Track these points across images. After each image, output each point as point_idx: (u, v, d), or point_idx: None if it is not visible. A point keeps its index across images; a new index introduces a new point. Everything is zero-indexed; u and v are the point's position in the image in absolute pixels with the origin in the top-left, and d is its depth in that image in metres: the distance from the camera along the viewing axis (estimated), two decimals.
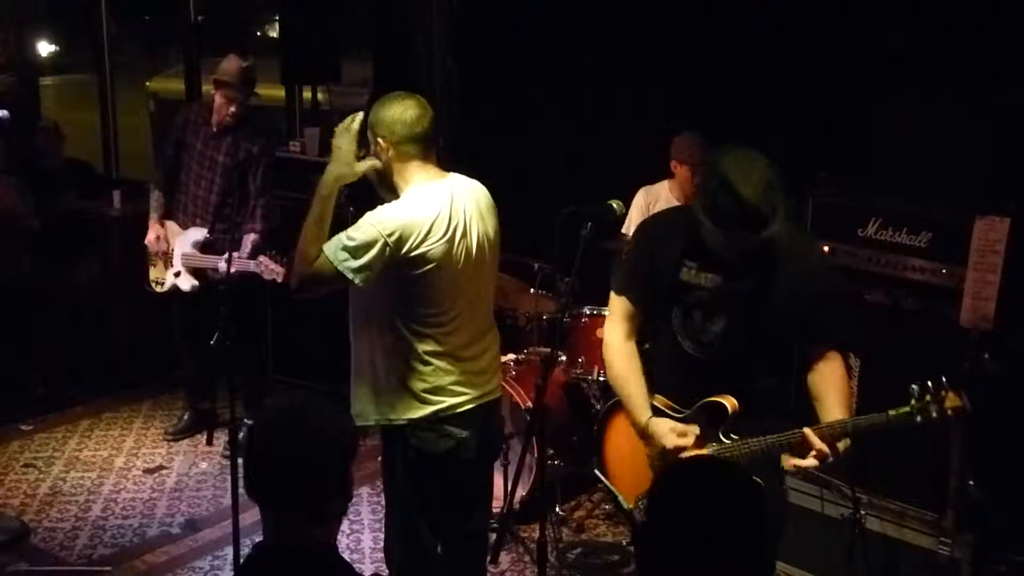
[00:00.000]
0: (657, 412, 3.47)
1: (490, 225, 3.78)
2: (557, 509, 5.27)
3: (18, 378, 6.64)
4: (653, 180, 5.76)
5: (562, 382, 5.49)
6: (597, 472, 3.79)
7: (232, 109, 5.78)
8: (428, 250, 3.54)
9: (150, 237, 5.97)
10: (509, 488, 4.70)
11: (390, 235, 3.49)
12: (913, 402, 3.13)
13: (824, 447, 3.17)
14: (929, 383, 3.12)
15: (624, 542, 5.16)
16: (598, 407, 5.45)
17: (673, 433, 3.38)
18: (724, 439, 3.34)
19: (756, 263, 3.27)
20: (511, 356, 5.51)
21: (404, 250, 3.51)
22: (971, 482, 4.33)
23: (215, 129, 5.86)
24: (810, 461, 3.21)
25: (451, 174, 3.76)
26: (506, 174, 6.58)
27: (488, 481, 4.15)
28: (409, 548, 3.84)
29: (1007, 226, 4.20)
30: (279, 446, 2.45)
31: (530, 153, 6.66)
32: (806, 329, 3.34)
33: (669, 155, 5.65)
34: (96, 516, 5.41)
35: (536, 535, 3.77)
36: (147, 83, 12.76)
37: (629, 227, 5.67)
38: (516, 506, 4.95)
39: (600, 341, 5.25)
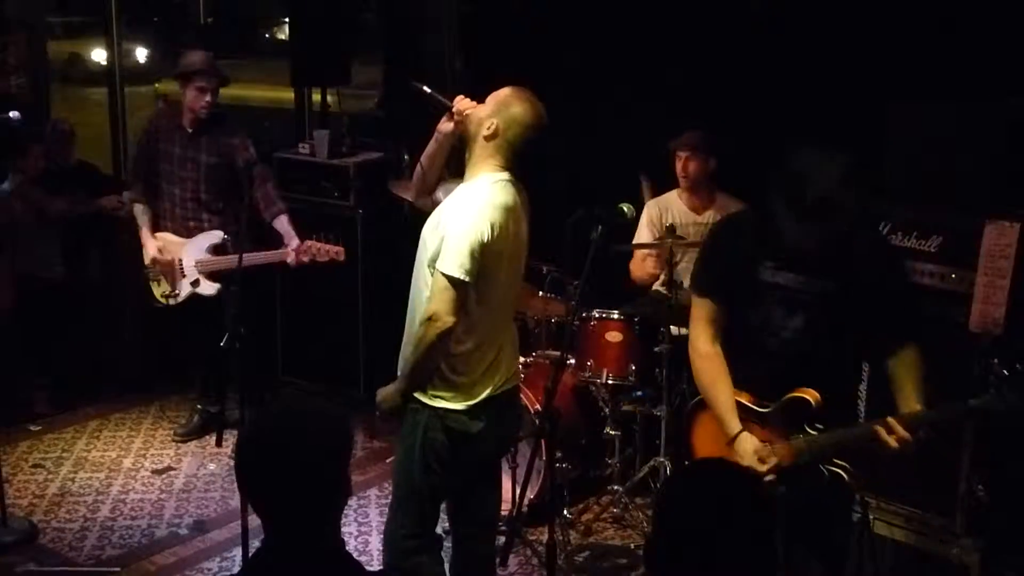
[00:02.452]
0: (740, 408, 3.53)
1: (526, 222, 3.87)
2: (565, 512, 5.27)
3: (28, 378, 6.66)
4: (662, 182, 5.75)
5: (571, 385, 5.49)
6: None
7: (207, 99, 5.72)
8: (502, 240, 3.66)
9: (152, 253, 5.90)
10: (518, 491, 4.70)
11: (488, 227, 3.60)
12: (992, 390, 3.34)
13: (905, 434, 3.29)
14: (1005, 371, 3.34)
15: (632, 545, 5.16)
16: (606, 410, 5.46)
17: (755, 457, 3.45)
18: (810, 430, 3.42)
19: (834, 259, 3.37)
20: (520, 359, 5.51)
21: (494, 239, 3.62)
22: (980, 486, 4.32)
23: (191, 129, 5.81)
24: (892, 443, 3.31)
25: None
26: (516, 176, 6.62)
27: (498, 471, 4.20)
28: (411, 537, 3.88)
29: (1017, 231, 4.20)
30: (272, 447, 2.43)
31: (540, 155, 6.65)
32: (885, 323, 3.45)
33: (676, 160, 5.64)
34: (105, 517, 5.43)
35: (544, 538, 3.77)
36: (156, 84, 12.79)
37: (640, 239, 5.65)
38: (525, 509, 4.94)
39: (609, 344, 5.34)
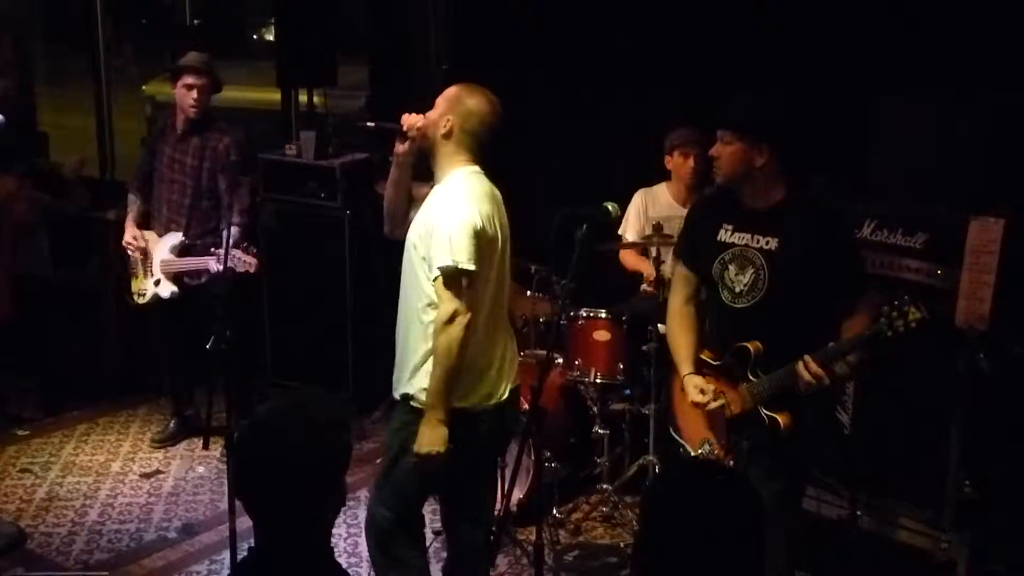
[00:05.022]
0: (701, 363, 3.88)
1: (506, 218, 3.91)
2: (554, 511, 5.27)
3: (15, 382, 6.64)
4: (651, 182, 5.75)
5: (559, 384, 5.49)
6: (671, 430, 4.04)
7: (195, 96, 5.68)
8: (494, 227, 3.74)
9: (127, 237, 5.91)
10: (506, 490, 4.70)
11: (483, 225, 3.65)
12: (882, 319, 3.45)
13: (819, 370, 3.53)
14: (895, 301, 3.45)
15: (621, 544, 5.16)
16: (595, 409, 5.46)
17: (696, 389, 3.80)
18: (752, 377, 3.70)
19: (779, 221, 3.69)
20: None
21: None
22: (967, 482, 4.33)
23: (180, 131, 5.80)
24: (808, 378, 3.54)
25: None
26: (502, 176, 6.62)
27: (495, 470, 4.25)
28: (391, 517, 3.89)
29: (1002, 227, 4.22)
30: (269, 449, 2.43)
31: (527, 155, 6.66)
32: (830, 283, 3.65)
33: (665, 156, 5.65)
34: (93, 521, 5.41)
35: (533, 537, 3.77)
36: (143, 87, 12.74)
37: (625, 228, 5.68)
38: (513, 508, 4.94)
39: (597, 343, 5.35)
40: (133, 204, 6.02)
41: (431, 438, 3.66)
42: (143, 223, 5.97)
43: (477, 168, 3.79)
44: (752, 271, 3.70)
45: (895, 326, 3.41)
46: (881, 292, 3.71)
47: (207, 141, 5.77)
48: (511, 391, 3.89)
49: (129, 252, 5.94)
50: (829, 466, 4.54)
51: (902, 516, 4.51)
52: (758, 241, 3.71)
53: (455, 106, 3.77)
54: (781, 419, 3.63)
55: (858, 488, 4.54)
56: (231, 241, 5.20)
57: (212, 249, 5.48)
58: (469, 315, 3.60)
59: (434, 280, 3.63)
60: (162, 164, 5.86)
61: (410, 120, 3.82)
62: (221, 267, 5.09)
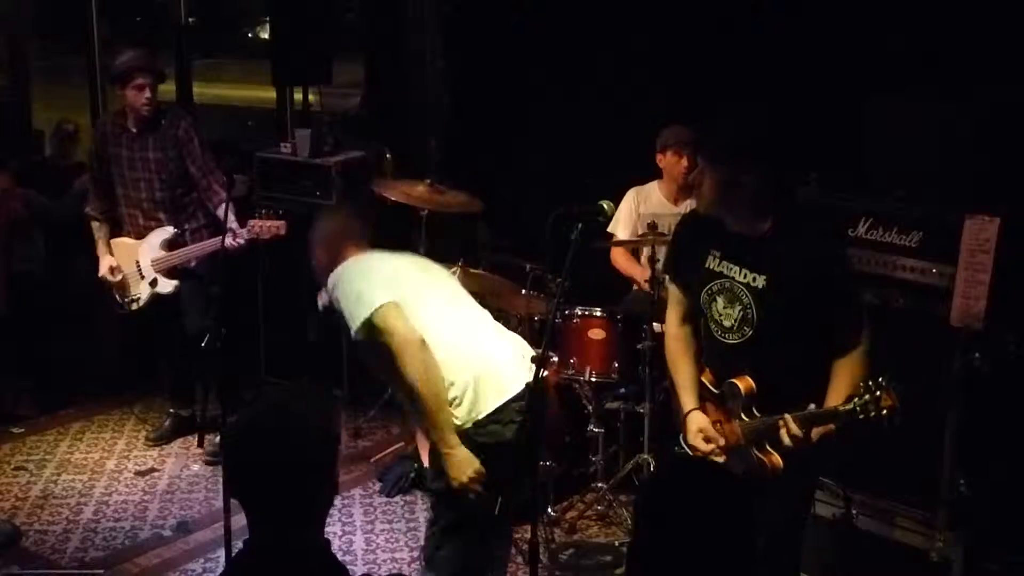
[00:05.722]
0: (701, 386, 3.72)
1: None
2: (549, 510, 5.27)
3: (10, 380, 6.63)
4: (644, 181, 5.76)
5: (554, 383, 5.47)
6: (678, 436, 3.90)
7: (147, 95, 5.62)
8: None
9: (103, 271, 5.87)
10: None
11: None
12: (855, 400, 3.32)
13: (798, 432, 3.39)
14: (871, 382, 3.32)
15: (616, 543, 5.16)
16: (589, 408, 5.46)
17: (699, 437, 3.65)
18: (744, 416, 3.56)
19: (769, 255, 3.49)
20: None
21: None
22: (962, 481, 4.33)
23: (135, 129, 5.73)
24: (786, 440, 3.41)
25: None
26: (497, 175, 6.63)
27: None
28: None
29: (997, 226, 4.21)
30: (261, 445, 2.43)
31: (521, 154, 6.66)
32: (825, 323, 3.50)
33: (658, 154, 5.65)
34: (88, 519, 5.40)
35: (528, 536, 3.76)
36: None
37: (616, 226, 5.68)
38: None
39: (592, 342, 5.34)
40: (99, 231, 5.94)
41: (457, 464, 3.66)
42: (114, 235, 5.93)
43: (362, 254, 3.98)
44: (740, 308, 3.54)
45: (867, 410, 3.30)
46: (873, 323, 3.58)
47: (166, 130, 5.71)
48: (524, 384, 3.78)
49: (110, 280, 5.90)
50: (824, 465, 4.53)
51: (897, 515, 4.51)
52: (745, 276, 3.52)
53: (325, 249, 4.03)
54: (769, 462, 3.51)
55: (853, 487, 4.54)
56: (233, 216, 5.15)
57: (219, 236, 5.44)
58: (413, 336, 3.63)
59: (376, 333, 3.67)
60: (123, 167, 5.77)
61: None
62: (242, 241, 5.10)
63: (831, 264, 3.54)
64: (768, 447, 3.50)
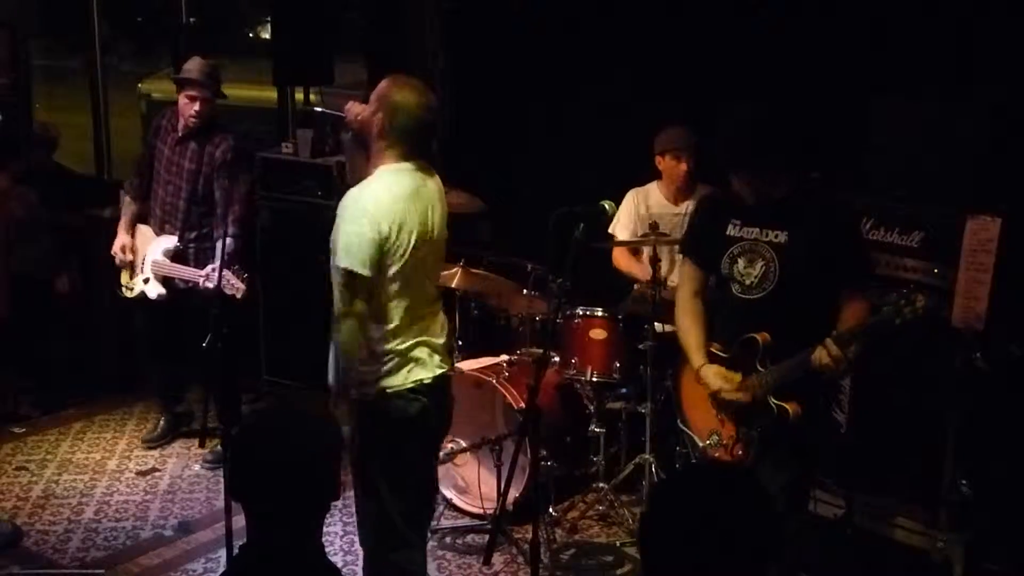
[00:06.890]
0: (711, 356, 3.94)
1: (441, 204, 3.92)
2: (550, 510, 5.27)
3: (12, 380, 6.63)
4: (644, 181, 5.75)
5: (555, 383, 5.48)
6: (679, 422, 4.15)
7: (196, 108, 5.64)
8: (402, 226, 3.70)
9: (115, 247, 5.89)
10: (502, 489, 4.69)
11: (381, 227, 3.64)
12: (890, 307, 3.55)
13: (838, 351, 3.60)
14: (903, 290, 3.59)
15: (617, 543, 5.16)
16: (591, 408, 5.46)
17: (718, 377, 3.88)
18: (760, 368, 3.77)
19: (786, 215, 3.78)
20: (504, 357, 5.51)
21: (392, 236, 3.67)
22: (963, 481, 4.34)
23: (180, 134, 5.76)
24: (826, 361, 3.62)
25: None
26: (499, 175, 6.63)
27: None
28: (384, 533, 3.88)
29: (998, 226, 4.22)
30: (265, 448, 2.44)
31: (522, 153, 6.66)
32: (832, 274, 3.75)
33: (656, 156, 5.64)
34: (89, 519, 5.41)
35: (529, 536, 3.77)
36: (139, 84, 12.72)
37: (616, 227, 5.66)
38: (509, 507, 4.94)
39: (593, 342, 5.34)
40: (128, 207, 5.97)
41: (341, 415, 3.75)
42: (141, 220, 5.95)
43: (407, 165, 3.76)
44: (762, 264, 3.79)
45: (904, 313, 3.51)
46: (877, 290, 3.75)
47: (206, 146, 5.72)
48: (440, 377, 3.86)
49: (117, 261, 5.91)
50: (825, 465, 4.54)
51: (898, 515, 4.52)
52: (767, 235, 3.80)
53: (383, 104, 3.74)
54: (790, 408, 3.70)
55: (854, 487, 4.55)
56: (225, 258, 5.19)
57: (206, 267, 5.48)
58: (359, 315, 3.69)
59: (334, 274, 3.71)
60: (161, 165, 5.82)
61: (354, 110, 3.83)
62: (211, 285, 5.08)
63: (843, 215, 3.90)
64: (785, 395, 3.70)
